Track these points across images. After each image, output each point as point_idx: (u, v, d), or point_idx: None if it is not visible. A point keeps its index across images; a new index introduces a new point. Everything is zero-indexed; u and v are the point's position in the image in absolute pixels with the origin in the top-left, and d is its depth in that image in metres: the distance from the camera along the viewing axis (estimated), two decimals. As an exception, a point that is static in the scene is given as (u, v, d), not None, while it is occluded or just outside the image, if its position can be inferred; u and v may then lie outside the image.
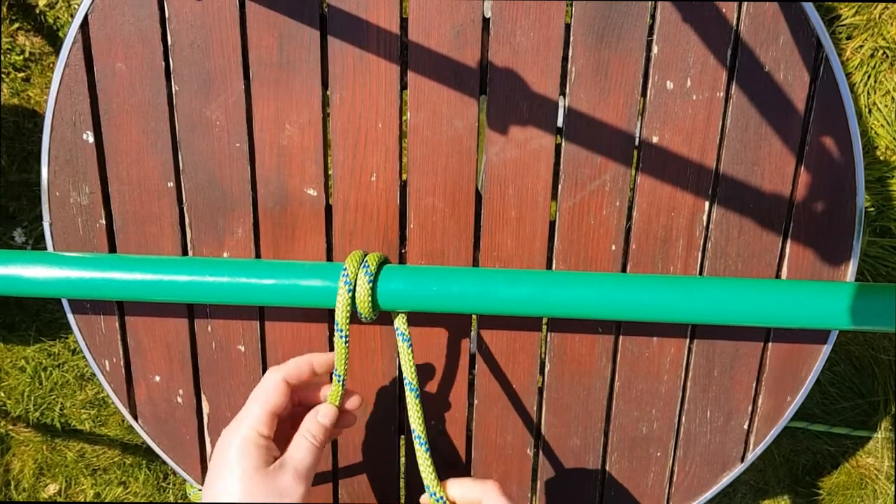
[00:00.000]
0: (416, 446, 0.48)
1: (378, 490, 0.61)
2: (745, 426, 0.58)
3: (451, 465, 0.60)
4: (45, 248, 0.56)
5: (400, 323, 0.50)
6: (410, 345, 0.49)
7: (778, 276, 0.55)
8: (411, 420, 0.48)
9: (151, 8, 0.52)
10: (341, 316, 0.48)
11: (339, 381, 0.49)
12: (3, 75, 1.17)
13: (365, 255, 0.50)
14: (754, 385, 0.57)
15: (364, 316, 0.49)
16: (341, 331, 0.48)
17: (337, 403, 0.49)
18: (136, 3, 0.52)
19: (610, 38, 0.51)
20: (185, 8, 0.52)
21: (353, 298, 0.48)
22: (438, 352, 0.58)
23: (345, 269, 0.48)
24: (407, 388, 0.48)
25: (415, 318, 0.57)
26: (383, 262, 0.51)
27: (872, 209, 1.18)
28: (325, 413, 0.47)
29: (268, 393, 0.46)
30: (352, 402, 0.50)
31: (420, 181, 0.54)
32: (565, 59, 0.52)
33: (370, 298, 0.48)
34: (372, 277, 0.48)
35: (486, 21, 0.52)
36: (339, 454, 0.61)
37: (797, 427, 1.25)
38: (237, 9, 0.52)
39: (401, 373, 0.58)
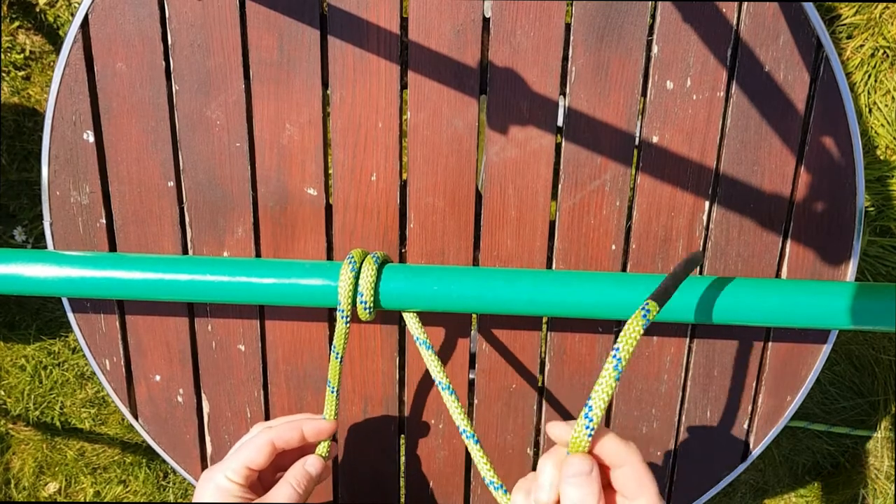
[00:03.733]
0: (467, 441, 0.48)
1: (378, 490, 0.61)
2: (745, 426, 0.58)
3: (450, 465, 0.60)
4: (45, 247, 0.56)
5: (415, 328, 0.50)
6: (430, 346, 0.50)
7: (778, 275, 0.55)
8: (455, 418, 0.48)
9: (152, 8, 0.52)
10: (344, 295, 0.48)
11: (332, 393, 0.51)
12: (3, 74, 1.17)
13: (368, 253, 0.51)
14: (754, 384, 0.57)
15: (366, 303, 0.49)
16: (342, 311, 0.49)
17: (332, 416, 0.51)
18: (136, 3, 0.52)
19: (610, 38, 0.51)
20: (185, 8, 0.52)
21: (356, 280, 0.49)
22: (438, 351, 0.58)
23: (351, 256, 0.49)
24: (441, 389, 0.49)
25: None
26: (386, 261, 0.51)
27: (872, 209, 1.18)
28: (313, 463, 0.49)
29: (251, 452, 0.48)
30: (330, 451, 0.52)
31: (420, 181, 0.54)
32: (565, 58, 0.52)
33: (373, 283, 0.49)
34: (379, 262, 0.50)
35: (486, 21, 0.52)
36: (340, 454, 0.61)
37: (797, 426, 1.25)
38: (237, 9, 0.52)
39: (394, 372, 0.58)
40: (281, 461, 0.51)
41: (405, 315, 0.51)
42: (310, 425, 0.49)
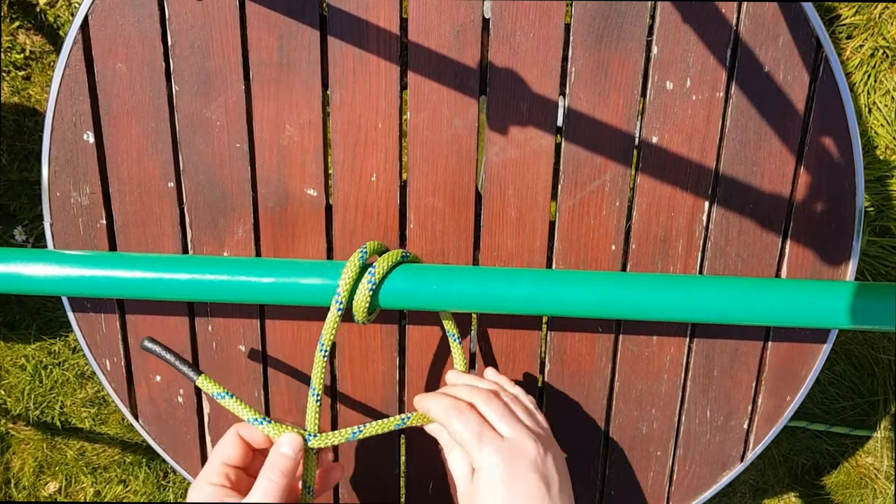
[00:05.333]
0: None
1: (378, 490, 0.61)
2: (745, 426, 0.59)
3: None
4: (45, 248, 0.56)
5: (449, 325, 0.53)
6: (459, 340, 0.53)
7: (778, 275, 0.55)
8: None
9: (152, 8, 0.52)
10: (345, 285, 0.47)
11: (316, 402, 0.48)
12: (3, 74, 1.17)
13: (385, 250, 0.50)
14: (754, 384, 0.57)
15: (358, 303, 0.48)
16: (339, 297, 0.47)
17: (314, 427, 0.48)
18: (136, 4, 0.52)
19: (610, 39, 0.51)
20: (185, 8, 0.52)
21: (360, 275, 0.48)
22: (439, 351, 0.58)
23: (363, 248, 0.48)
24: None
25: (415, 317, 0.57)
26: (400, 262, 0.51)
27: (872, 209, 1.18)
28: (288, 443, 0.47)
29: (221, 448, 0.48)
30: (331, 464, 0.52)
31: (420, 181, 0.54)
32: (565, 59, 0.52)
33: (370, 291, 0.48)
34: (395, 261, 0.49)
35: (485, 21, 0.52)
36: (340, 454, 0.61)
37: (797, 426, 1.25)
38: (237, 9, 0.52)
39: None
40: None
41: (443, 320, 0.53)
42: (288, 436, 0.48)
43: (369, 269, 0.48)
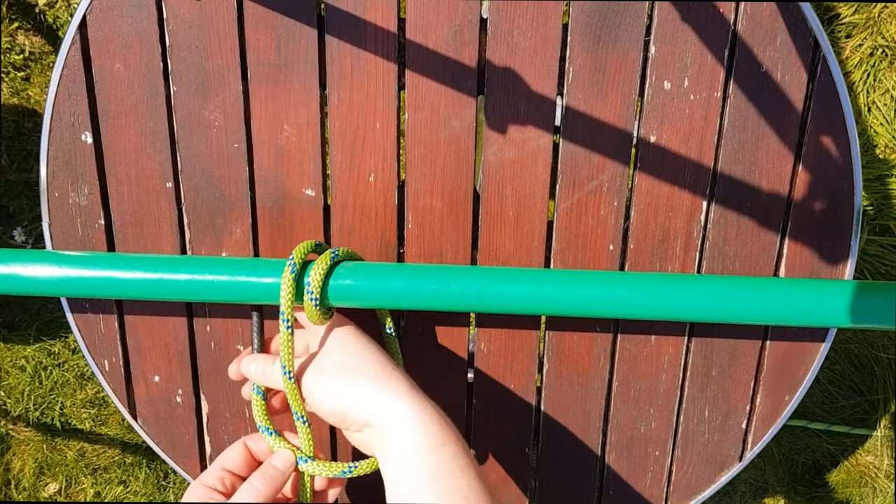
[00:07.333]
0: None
1: (378, 490, 0.61)
2: (744, 425, 0.59)
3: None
4: (44, 248, 0.57)
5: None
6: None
7: (776, 275, 0.55)
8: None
9: (150, 9, 0.52)
10: (286, 301, 0.46)
11: (304, 424, 0.48)
12: (2, 74, 1.17)
13: (319, 245, 0.50)
14: (752, 384, 0.57)
15: (315, 298, 0.47)
16: (284, 315, 0.46)
17: (310, 451, 0.49)
18: (134, 5, 0.52)
19: (607, 39, 0.51)
20: (183, 9, 0.52)
21: (297, 279, 0.47)
22: (437, 351, 0.58)
23: (291, 258, 0.47)
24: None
25: (414, 317, 0.57)
26: (341, 259, 0.50)
27: (871, 208, 1.18)
28: (281, 458, 0.48)
29: (225, 452, 0.50)
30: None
31: (418, 181, 0.54)
32: (563, 59, 0.52)
33: (319, 292, 0.47)
34: (336, 259, 0.49)
35: (483, 21, 0.52)
36: (338, 455, 0.61)
37: (797, 425, 1.25)
38: (235, 9, 0.52)
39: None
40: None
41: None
42: (281, 452, 0.49)
43: (306, 281, 0.47)
